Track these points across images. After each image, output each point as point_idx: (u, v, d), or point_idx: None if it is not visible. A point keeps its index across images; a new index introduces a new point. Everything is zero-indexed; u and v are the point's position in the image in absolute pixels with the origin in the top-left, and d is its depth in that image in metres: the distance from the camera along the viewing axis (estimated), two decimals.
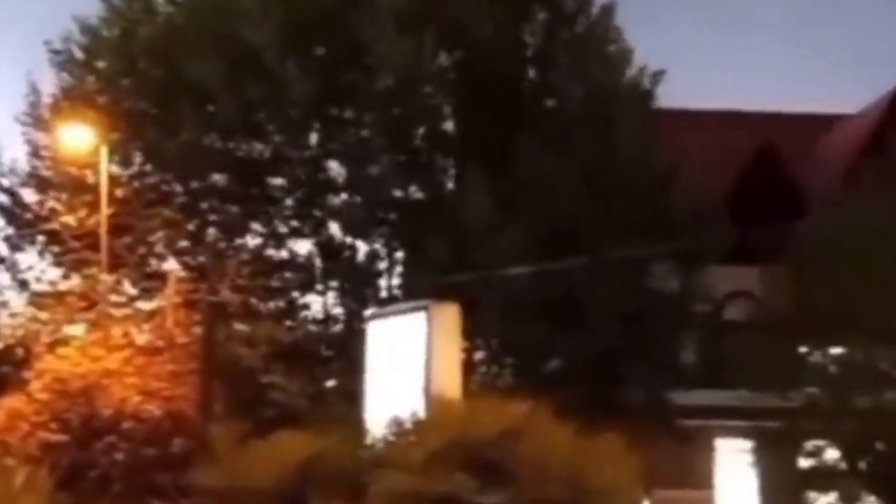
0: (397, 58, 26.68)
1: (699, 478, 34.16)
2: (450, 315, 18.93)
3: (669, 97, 29.74)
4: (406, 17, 27.04)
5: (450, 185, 28.51)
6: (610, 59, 28.70)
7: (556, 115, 27.61)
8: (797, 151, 36.48)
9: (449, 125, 28.02)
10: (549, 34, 28.92)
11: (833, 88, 64.93)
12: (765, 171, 35.39)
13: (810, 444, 30.35)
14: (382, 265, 28.45)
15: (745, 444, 31.93)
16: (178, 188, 28.53)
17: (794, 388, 29.33)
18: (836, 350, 29.85)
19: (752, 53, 60.49)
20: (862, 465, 29.94)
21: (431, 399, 17.99)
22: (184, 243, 28.32)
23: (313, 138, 28.43)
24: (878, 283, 27.60)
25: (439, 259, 25.77)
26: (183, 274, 27.43)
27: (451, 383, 18.47)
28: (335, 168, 28.48)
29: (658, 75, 29.08)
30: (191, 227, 28.38)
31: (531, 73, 28.79)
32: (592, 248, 25.33)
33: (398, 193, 28.14)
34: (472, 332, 24.72)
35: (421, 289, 24.16)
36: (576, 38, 28.74)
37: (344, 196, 28.37)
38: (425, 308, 18.97)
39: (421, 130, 27.85)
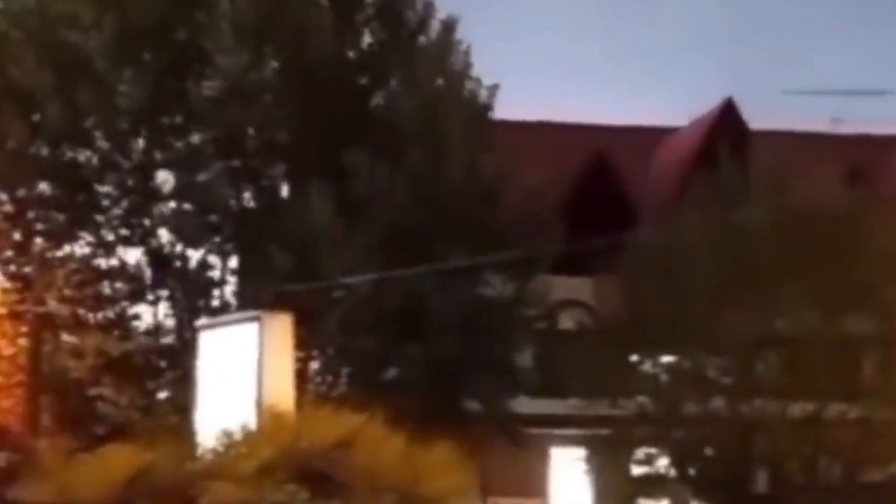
0: (234, 67, 26.49)
1: (535, 486, 34.44)
2: (283, 325, 18.78)
3: (506, 109, 29.98)
4: (245, 26, 26.86)
5: (284, 193, 28.30)
6: (446, 72, 28.76)
7: (391, 126, 27.58)
8: (630, 163, 36.98)
9: (284, 134, 27.77)
10: (387, 47, 28.92)
11: (665, 101, 66.10)
12: (597, 181, 35.82)
13: (642, 452, 30.80)
14: (216, 274, 28.15)
15: (580, 453, 32.23)
16: (4, 197, 27.97)
17: (625, 397, 29.74)
18: (666, 359, 30.33)
19: (584, 65, 61.36)
20: (692, 471, 30.47)
21: (263, 410, 17.81)
22: (9, 253, 27.72)
23: (142, 145, 28.08)
24: (705, 293, 28.13)
25: (277, 268, 25.58)
26: (8, 284, 26.88)
27: (283, 394, 18.31)
28: (164, 176, 28.16)
29: (493, 88, 29.24)
30: (16, 236, 27.81)
31: (368, 84, 28.71)
32: (429, 258, 25.35)
33: (232, 201, 27.88)
34: (309, 341, 24.65)
35: (257, 298, 23.95)
36: (413, 51, 28.78)
37: (173, 204, 28.04)
38: (258, 318, 18.79)
39: (254, 138, 27.60)
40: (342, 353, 27.40)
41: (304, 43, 27.23)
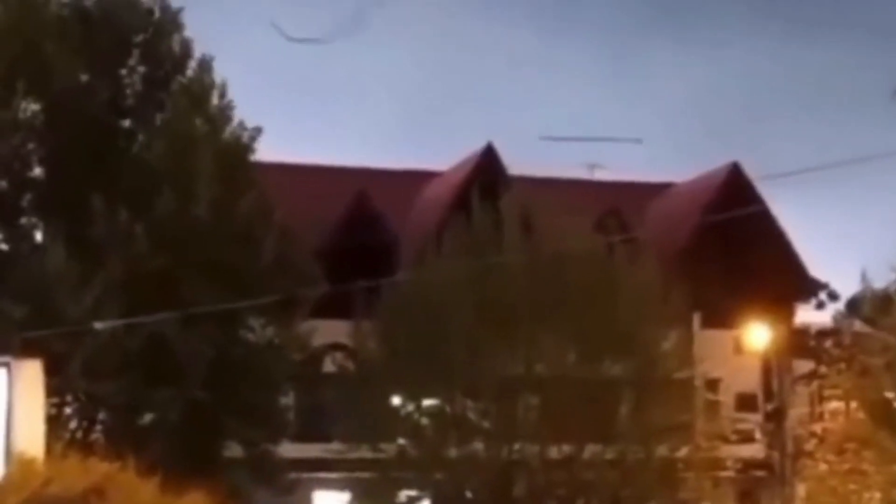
0: None
1: None
2: (32, 371, 18.27)
3: (269, 151, 29.84)
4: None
5: (38, 235, 27.68)
6: (202, 113, 28.47)
7: (138, 166, 27.18)
8: (392, 206, 37.22)
9: (37, 173, 27.19)
10: (142, 86, 28.59)
11: (427, 146, 66.80)
12: (359, 225, 35.94)
13: (404, 494, 30.97)
14: None
15: (343, 497, 32.23)
16: None
17: (386, 440, 29.88)
18: (427, 402, 30.58)
19: (348, 107, 61.64)
20: None
21: (12, 457, 17.35)
22: None
23: None
24: (462, 335, 28.48)
25: (19, 313, 24.97)
26: None
27: (33, 441, 17.81)
28: None
29: (256, 131, 29.06)
30: None
31: (121, 124, 28.30)
32: (177, 301, 24.98)
33: None
34: (60, 387, 24.08)
35: (2, 344, 23.33)
36: (168, 91, 28.47)
37: None
38: (6, 364, 18.28)
39: (4, 179, 26.97)
40: (92, 399, 26.82)
41: (55, 79, 26.75)
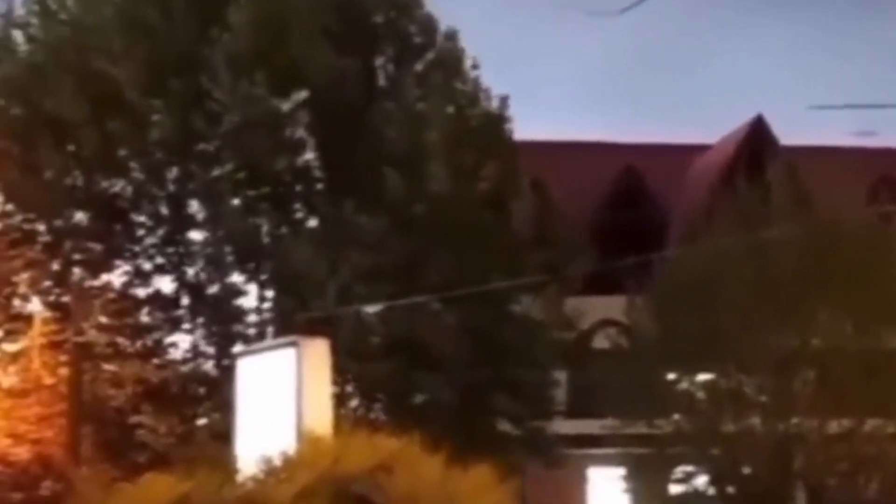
0: (235, 100, 26.61)
1: None
2: (319, 350, 18.84)
3: (536, 129, 30.02)
4: (243, 59, 26.93)
5: (312, 218, 28.42)
6: (465, 93, 28.75)
7: (407, 148, 27.58)
8: (661, 181, 37.04)
9: (308, 159, 27.85)
10: (397, 68, 28.95)
11: (696, 118, 66.15)
12: (629, 200, 35.88)
13: (680, 470, 30.80)
14: (249, 301, 28.31)
15: (617, 472, 32.23)
16: (41, 227, 28.16)
17: (661, 416, 29.76)
18: (702, 377, 30.34)
19: (612, 83, 61.47)
20: (730, 489, 30.43)
21: (302, 435, 17.90)
22: (48, 283, 27.91)
23: (174, 174, 28.26)
24: (737, 310, 28.13)
25: (302, 295, 25.69)
26: (47, 314, 27.04)
27: (321, 419, 18.36)
28: (196, 204, 28.33)
29: (504, 102, 29.16)
30: (55, 266, 28.00)
31: (380, 107, 28.73)
32: (454, 282, 25.32)
33: (264, 228, 28.02)
34: (340, 367, 24.74)
35: (289, 324, 24.09)
36: (428, 72, 28.79)
37: (205, 232, 28.21)
38: (295, 344, 18.86)
39: (280, 165, 27.68)
40: (372, 379, 27.40)
41: (308, 70, 27.25)
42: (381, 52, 29.00)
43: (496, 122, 29.10)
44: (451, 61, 28.87)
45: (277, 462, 17.33)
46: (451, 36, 29.07)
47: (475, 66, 29.12)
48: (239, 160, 27.26)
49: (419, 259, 26.23)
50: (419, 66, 28.85)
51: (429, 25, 29.15)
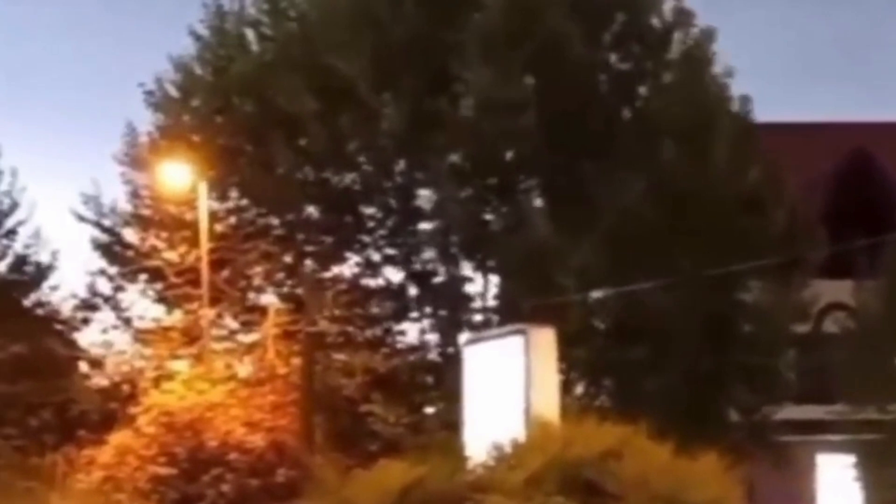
0: (483, 83, 26.75)
1: (801, 494, 34.00)
2: (546, 338, 19.00)
3: (760, 111, 29.61)
4: (495, 40, 27.02)
5: (536, 206, 28.53)
6: (704, 78, 28.48)
7: (644, 134, 27.49)
8: (892, 161, 36.25)
9: (535, 148, 27.94)
10: (637, 53, 28.86)
11: None
12: (859, 181, 35.22)
13: None
14: (475, 289, 28.62)
15: (848, 459, 31.69)
16: (274, 221, 28.87)
17: (893, 401, 29.18)
18: None
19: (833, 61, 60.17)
20: None
21: (531, 422, 18.08)
22: (281, 275, 28.64)
23: (403, 166, 28.69)
24: None
25: (525, 282, 25.82)
26: (281, 305, 27.73)
27: (549, 406, 18.53)
28: (424, 195, 28.74)
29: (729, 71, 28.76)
30: (287, 258, 28.71)
31: (618, 90, 28.65)
32: (685, 268, 25.22)
33: (488, 218, 28.26)
34: (566, 354, 24.86)
35: (514, 312, 24.26)
36: (667, 58, 28.62)
37: (433, 223, 28.58)
38: (522, 332, 19.05)
39: (508, 154, 27.84)
40: (599, 365, 27.42)
41: (558, 55, 27.25)
42: (629, 40, 28.90)
43: (746, 112, 28.81)
44: (699, 53, 28.63)
45: (507, 448, 17.56)
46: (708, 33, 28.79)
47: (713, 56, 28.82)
48: (470, 148, 27.46)
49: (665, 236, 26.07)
50: (669, 55, 28.70)
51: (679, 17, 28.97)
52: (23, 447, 25.95)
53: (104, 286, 29.34)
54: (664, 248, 25.83)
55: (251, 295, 28.57)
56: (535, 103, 27.00)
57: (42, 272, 30.02)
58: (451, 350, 27.06)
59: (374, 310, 28.74)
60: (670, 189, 26.48)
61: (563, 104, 26.98)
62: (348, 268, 29.00)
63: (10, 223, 29.90)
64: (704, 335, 26.61)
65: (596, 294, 25.88)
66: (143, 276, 28.94)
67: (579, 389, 27.66)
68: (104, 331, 28.92)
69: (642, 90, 28.67)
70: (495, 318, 27.78)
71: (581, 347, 25.70)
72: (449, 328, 28.23)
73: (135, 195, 29.38)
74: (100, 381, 28.39)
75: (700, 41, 28.54)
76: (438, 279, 28.79)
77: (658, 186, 26.46)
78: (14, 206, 29.93)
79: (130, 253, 29.18)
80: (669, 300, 25.85)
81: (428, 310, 28.83)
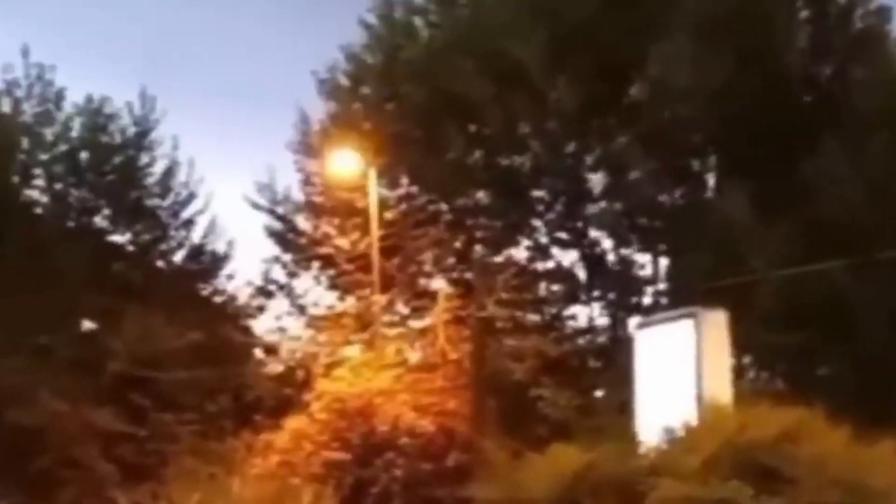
0: (684, 64, 26.42)
1: None
2: (718, 321, 18.80)
3: None
4: (705, 23, 26.72)
5: (709, 189, 28.21)
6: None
7: (842, 116, 26.90)
8: None
9: (709, 130, 27.57)
10: (823, 34, 28.42)
11: None
12: None
13: None
14: (646, 272, 28.38)
15: None
16: (444, 207, 28.99)
17: None
18: None
19: None
20: None
21: (703, 406, 17.91)
22: (451, 260, 28.73)
23: (571, 148, 28.56)
24: None
25: (703, 264, 25.51)
26: (451, 291, 27.83)
27: (722, 389, 18.35)
28: (594, 177, 28.56)
29: None
30: (457, 244, 28.80)
31: (808, 73, 28.17)
32: (865, 252, 24.62)
33: (662, 199, 28.00)
34: (738, 337, 24.50)
35: (686, 295, 23.98)
36: (856, 37, 28.12)
37: (603, 204, 28.41)
38: (693, 315, 18.86)
39: (682, 136, 27.55)
40: (770, 349, 26.97)
41: (765, 36, 26.91)
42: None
43: None
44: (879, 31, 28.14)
45: (680, 432, 17.43)
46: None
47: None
48: (645, 129, 27.23)
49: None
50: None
51: None
52: (202, 432, 26.40)
53: (278, 273, 29.78)
54: (866, 237, 25.34)
55: (421, 280, 28.70)
56: (733, 87, 26.62)
57: (218, 261, 30.54)
58: (620, 333, 26.87)
59: (544, 293, 28.71)
60: (877, 179, 25.87)
61: (762, 89, 26.59)
62: (518, 252, 28.99)
63: (187, 214, 30.42)
64: (884, 320, 25.98)
65: (779, 274, 25.35)
66: (316, 264, 29.27)
67: (752, 374, 27.26)
68: (278, 317, 29.30)
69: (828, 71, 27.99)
70: (664, 300, 27.57)
71: (765, 330, 25.31)
72: (618, 311, 28.05)
73: (307, 183, 29.73)
74: (274, 367, 28.79)
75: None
76: (609, 262, 28.61)
77: (863, 176, 25.92)
78: (191, 196, 30.43)
79: (303, 240, 29.55)
80: (862, 287, 25.30)
81: (597, 293, 28.69)
